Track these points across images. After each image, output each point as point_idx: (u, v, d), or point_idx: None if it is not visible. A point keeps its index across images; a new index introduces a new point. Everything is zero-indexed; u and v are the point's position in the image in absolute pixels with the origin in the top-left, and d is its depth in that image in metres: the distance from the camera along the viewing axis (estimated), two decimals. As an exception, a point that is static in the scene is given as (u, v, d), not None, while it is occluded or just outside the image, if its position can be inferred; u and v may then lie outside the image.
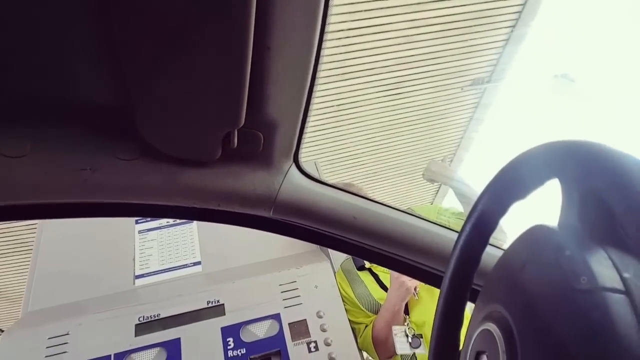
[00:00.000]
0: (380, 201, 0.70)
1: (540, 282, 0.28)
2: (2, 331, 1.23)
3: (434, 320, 0.48)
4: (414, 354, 1.29)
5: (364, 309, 1.41)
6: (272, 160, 0.64)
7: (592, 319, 0.23)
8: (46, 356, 1.10)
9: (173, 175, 0.62)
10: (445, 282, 0.45)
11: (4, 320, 5.07)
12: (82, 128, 0.59)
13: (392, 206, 0.71)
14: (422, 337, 1.27)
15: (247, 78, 0.52)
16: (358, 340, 1.31)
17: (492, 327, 0.31)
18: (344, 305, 1.36)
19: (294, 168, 0.67)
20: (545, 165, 0.33)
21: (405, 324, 1.31)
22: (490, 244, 0.49)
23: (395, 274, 1.32)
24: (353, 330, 1.28)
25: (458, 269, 0.45)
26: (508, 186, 0.39)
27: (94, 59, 0.51)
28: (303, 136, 0.66)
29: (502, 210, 0.42)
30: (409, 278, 1.28)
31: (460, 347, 0.46)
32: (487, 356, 0.31)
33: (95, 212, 0.65)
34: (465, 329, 0.41)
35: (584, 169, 0.27)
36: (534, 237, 0.31)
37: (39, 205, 0.61)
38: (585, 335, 0.23)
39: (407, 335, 1.27)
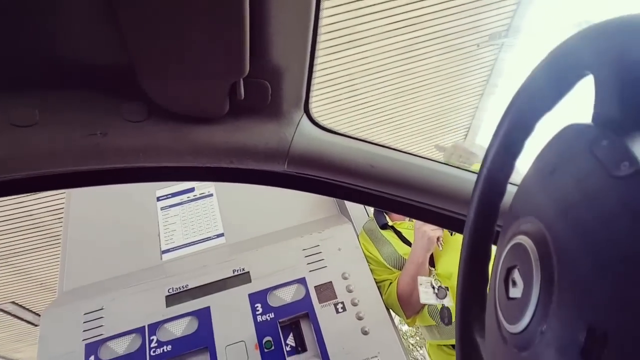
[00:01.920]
0: (397, 147, 0.68)
1: (574, 180, 0.25)
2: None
3: (460, 255, 0.46)
4: (444, 306, 1.29)
5: (389, 266, 1.40)
6: (281, 111, 0.62)
7: (636, 202, 0.20)
8: (84, 330, 1.15)
9: (183, 134, 0.61)
10: (471, 213, 0.43)
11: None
12: (89, 91, 0.58)
13: (410, 152, 0.68)
14: (448, 290, 1.26)
15: (247, 23, 0.49)
16: (383, 298, 1.30)
17: (522, 239, 0.29)
18: (368, 265, 1.36)
19: (305, 119, 0.64)
20: (573, 61, 0.29)
21: (432, 275, 1.30)
22: (511, 183, 0.46)
23: (418, 224, 1.30)
24: (378, 288, 1.28)
25: (483, 197, 0.42)
26: (533, 98, 0.36)
27: (93, 18, 0.49)
28: (312, 85, 0.64)
29: (528, 129, 0.38)
30: (432, 228, 1.26)
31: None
32: (518, 270, 0.28)
33: (110, 179, 0.64)
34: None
35: (622, 49, 0.24)
36: (564, 137, 0.28)
37: (53, 175, 0.61)
38: (632, 224, 0.20)
39: (433, 287, 1.25)
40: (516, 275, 0.28)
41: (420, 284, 1.24)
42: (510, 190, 0.44)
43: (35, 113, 0.57)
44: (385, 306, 1.24)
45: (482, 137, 5.37)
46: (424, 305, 1.36)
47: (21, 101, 0.57)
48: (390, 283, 1.37)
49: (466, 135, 5.37)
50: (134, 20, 0.48)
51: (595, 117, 0.26)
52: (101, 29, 0.51)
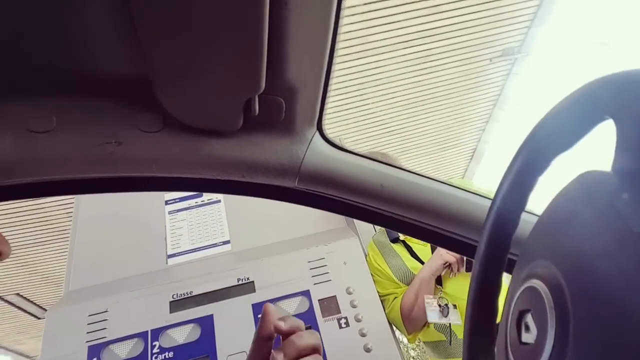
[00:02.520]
0: (408, 169, 0.67)
1: (592, 230, 0.25)
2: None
3: (469, 286, 0.45)
4: (449, 325, 1.28)
5: (397, 280, 1.39)
6: (294, 128, 0.62)
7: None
8: (87, 332, 1.15)
9: (196, 146, 0.61)
10: (482, 244, 0.43)
11: (52, 302, 5.39)
12: (105, 101, 0.59)
13: (422, 174, 0.68)
14: (455, 307, 1.25)
15: (265, 39, 0.50)
16: (385, 312, 1.30)
17: (536, 283, 0.28)
18: (374, 276, 1.35)
19: (317, 136, 0.65)
20: (595, 105, 0.29)
21: (439, 292, 1.29)
22: (526, 211, 0.46)
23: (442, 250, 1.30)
24: (382, 302, 1.27)
25: (495, 230, 0.42)
26: (551, 136, 0.36)
27: (112, 29, 0.50)
28: (326, 103, 0.64)
29: (544, 165, 0.38)
30: (452, 253, 1.25)
31: (499, 314, 0.44)
32: (532, 314, 0.28)
33: (122, 187, 0.65)
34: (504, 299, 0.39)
35: (646, 100, 0.24)
36: (583, 183, 0.28)
37: (66, 181, 0.62)
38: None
39: (439, 305, 1.25)
40: (529, 319, 0.28)
41: (427, 302, 1.23)
42: (525, 218, 0.44)
43: (53, 120, 0.58)
44: (389, 322, 1.23)
45: (489, 158, 5.33)
46: (426, 323, 1.35)
47: (39, 107, 0.58)
48: (395, 297, 1.36)
49: (473, 152, 5.34)
50: (152, 33, 0.49)
51: (615, 165, 0.26)
52: (120, 40, 0.51)
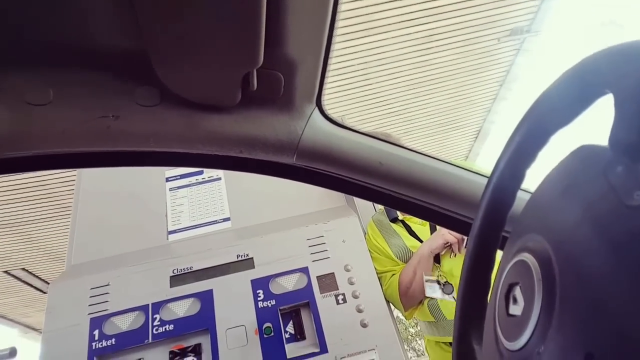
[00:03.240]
0: (407, 146, 0.67)
1: (584, 203, 0.25)
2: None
3: (464, 261, 0.46)
4: (437, 301, 1.30)
5: (396, 258, 1.41)
6: (293, 104, 0.62)
7: (648, 235, 0.20)
8: (90, 305, 1.17)
9: (194, 121, 0.61)
10: (477, 220, 0.43)
11: (54, 277, 5.49)
12: (103, 74, 0.58)
13: (421, 151, 0.67)
14: (453, 287, 1.27)
15: (263, 12, 0.49)
16: (383, 289, 1.31)
17: (526, 257, 0.28)
18: (372, 254, 1.36)
19: (316, 112, 0.64)
20: (595, 78, 0.29)
21: (437, 271, 1.30)
22: (522, 189, 0.45)
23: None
24: (380, 279, 1.29)
25: (491, 206, 0.42)
26: (550, 111, 0.35)
27: (110, 2, 0.49)
28: (325, 79, 0.63)
29: (542, 141, 0.38)
30: (453, 233, 1.26)
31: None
32: (520, 287, 0.28)
33: (119, 161, 0.65)
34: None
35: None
36: (578, 157, 0.28)
37: (63, 155, 0.62)
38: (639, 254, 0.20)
39: (438, 282, 1.27)
40: (517, 292, 0.28)
41: (426, 280, 1.25)
42: (520, 196, 0.44)
43: (50, 92, 0.57)
44: (385, 299, 1.25)
45: (494, 138, 5.30)
46: (423, 300, 1.36)
47: (36, 80, 0.57)
48: (393, 274, 1.37)
49: (478, 132, 5.30)
50: (150, 5, 0.48)
51: (611, 139, 0.26)
52: (118, 12, 0.50)
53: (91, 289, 1.20)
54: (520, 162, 0.40)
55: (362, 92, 4.04)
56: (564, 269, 0.24)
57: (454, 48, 3.82)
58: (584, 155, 0.27)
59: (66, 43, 0.55)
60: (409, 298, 1.34)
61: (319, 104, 0.64)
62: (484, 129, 5.22)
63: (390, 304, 1.36)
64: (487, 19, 3.60)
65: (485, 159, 5.56)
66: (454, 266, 1.32)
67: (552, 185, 0.30)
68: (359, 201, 1.47)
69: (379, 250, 1.43)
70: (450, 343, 1.36)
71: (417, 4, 3.27)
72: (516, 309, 0.28)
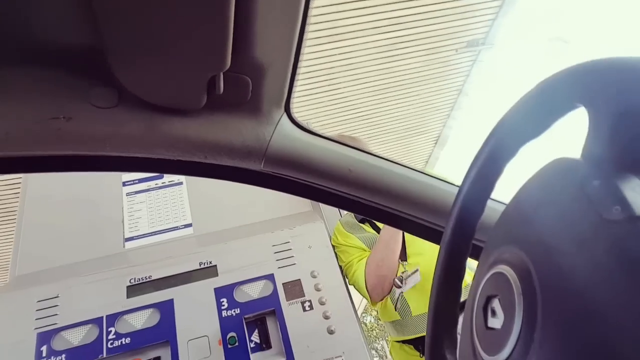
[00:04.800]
0: (377, 153, 0.67)
1: (562, 216, 0.25)
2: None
3: (435, 269, 0.46)
4: (402, 295, 1.31)
5: (367, 248, 1.40)
6: (261, 109, 0.60)
7: (628, 249, 0.20)
8: (37, 319, 1.09)
9: (155, 124, 0.58)
10: (448, 229, 0.43)
11: (-2, 288, 5.08)
12: (54, 73, 0.54)
13: (390, 159, 0.67)
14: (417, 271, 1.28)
15: (231, 13, 0.47)
16: (348, 277, 1.29)
17: (504, 269, 0.28)
18: (339, 247, 1.36)
19: (285, 118, 0.62)
20: (567, 92, 0.29)
21: (403, 267, 1.31)
22: (492, 199, 0.46)
23: None
24: (346, 272, 1.27)
25: (461, 215, 0.42)
26: (520, 123, 0.36)
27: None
28: (295, 83, 0.62)
29: (512, 152, 0.38)
30: None
31: (462, 299, 0.45)
32: (499, 300, 0.28)
33: (71, 166, 0.60)
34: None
35: (618, 87, 0.24)
36: (553, 170, 0.28)
37: (7, 158, 0.56)
38: (620, 268, 0.20)
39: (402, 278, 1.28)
40: (496, 305, 0.28)
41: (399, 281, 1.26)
42: (492, 206, 0.45)
43: (-9, 91, 0.52)
44: (353, 306, 1.24)
45: (452, 143, 5.49)
46: (390, 288, 1.35)
47: (-25, 76, 0.52)
48: (361, 259, 1.36)
49: (438, 138, 5.48)
50: (109, 0, 0.44)
51: (585, 152, 0.26)
52: (73, 6, 0.47)
53: (38, 301, 1.11)
54: (489, 173, 0.40)
55: (328, 97, 4.06)
56: (544, 284, 0.24)
57: (416, 57, 3.93)
58: (560, 168, 0.27)
59: (14, 39, 0.50)
60: (380, 278, 1.31)
61: (287, 110, 0.63)
62: (443, 134, 5.40)
63: (357, 310, 1.35)
64: (446, 30, 3.73)
65: (444, 164, 5.75)
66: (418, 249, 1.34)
67: (527, 197, 0.30)
68: (324, 206, 1.46)
69: (346, 243, 1.41)
70: (412, 341, 1.37)
71: (382, 12, 3.34)
72: (495, 322, 0.27)
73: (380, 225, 1.46)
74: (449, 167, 5.64)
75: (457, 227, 0.43)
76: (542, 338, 0.23)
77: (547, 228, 0.26)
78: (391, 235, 1.32)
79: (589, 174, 0.24)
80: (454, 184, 0.66)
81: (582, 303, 0.21)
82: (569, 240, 0.23)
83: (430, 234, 0.69)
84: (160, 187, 1.42)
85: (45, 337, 1.06)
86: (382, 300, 1.40)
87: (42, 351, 1.04)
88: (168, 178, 1.45)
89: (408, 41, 3.71)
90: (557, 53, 4.58)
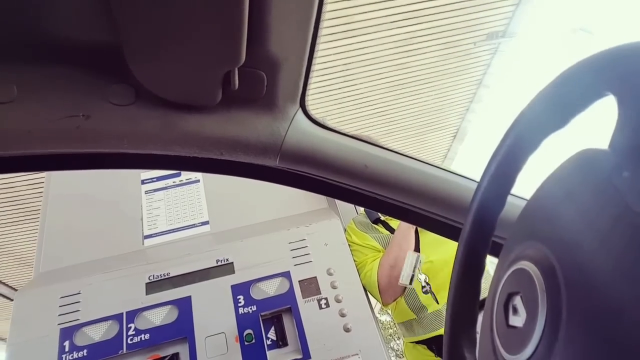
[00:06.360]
0: (393, 149, 0.66)
1: (589, 209, 0.23)
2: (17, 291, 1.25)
3: (453, 266, 0.44)
4: (421, 301, 1.29)
5: (380, 247, 1.39)
6: (276, 105, 0.60)
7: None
8: (59, 315, 1.11)
9: (171, 121, 0.58)
10: (467, 225, 0.42)
11: (24, 283, 5.26)
12: (72, 71, 0.55)
13: (407, 154, 0.66)
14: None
15: (246, 8, 0.46)
16: (360, 277, 1.28)
17: (526, 265, 0.27)
18: (353, 246, 1.35)
19: (300, 113, 0.62)
20: (594, 79, 0.28)
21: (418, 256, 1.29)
22: (512, 194, 0.45)
23: None
24: (358, 271, 1.26)
25: (481, 210, 0.41)
26: (543, 115, 0.34)
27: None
28: (310, 78, 0.61)
29: (534, 145, 0.37)
30: None
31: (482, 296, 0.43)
32: (521, 297, 0.27)
33: (90, 164, 0.61)
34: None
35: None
36: (579, 162, 0.27)
37: (29, 157, 0.58)
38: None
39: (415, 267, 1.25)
40: (518, 302, 0.27)
41: (408, 258, 1.23)
42: (512, 201, 0.43)
43: (14, 89, 0.53)
44: (369, 303, 1.23)
45: (472, 137, 5.40)
46: (403, 290, 1.34)
47: (-1, 76, 0.53)
48: (375, 260, 1.35)
49: (457, 132, 5.39)
50: (124, -2, 0.45)
51: (614, 142, 0.25)
52: (90, 4, 0.47)
53: (61, 297, 1.14)
54: (511, 166, 0.39)
55: (344, 93, 4.04)
56: (569, 280, 0.23)
57: (433, 50, 3.87)
58: (586, 159, 0.26)
59: (31, 35, 0.51)
60: (393, 279, 1.29)
61: (302, 105, 0.62)
62: (462, 128, 5.31)
63: (374, 309, 1.34)
64: (464, 22, 3.66)
65: (464, 158, 5.66)
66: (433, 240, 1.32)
67: (551, 191, 0.28)
68: (340, 203, 1.45)
69: (361, 243, 1.40)
70: (427, 341, 1.35)
71: (398, 6, 3.30)
72: (517, 320, 0.26)
73: (393, 225, 1.45)
74: (468, 161, 5.55)
75: (476, 224, 0.42)
76: (566, 337, 0.22)
77: (572, 222, 0.24)
78: (404, 236, 1.31)
79: (618, 165, 0.23)
80: (472, 179, 0.65)
81: (610, 300, 0.20)
82: (595, 235, 0.22)
83: (448, 231, 0.68)
84: (177, 185, 1.44)
85: (67, 333, 1.09)
86: (393, 301, 1.39)
87: (64, 346, 1.07)
88: (185, 176, 1.47)
89: (425, 35, 3.66)
90: (581, 44, 4.45)
